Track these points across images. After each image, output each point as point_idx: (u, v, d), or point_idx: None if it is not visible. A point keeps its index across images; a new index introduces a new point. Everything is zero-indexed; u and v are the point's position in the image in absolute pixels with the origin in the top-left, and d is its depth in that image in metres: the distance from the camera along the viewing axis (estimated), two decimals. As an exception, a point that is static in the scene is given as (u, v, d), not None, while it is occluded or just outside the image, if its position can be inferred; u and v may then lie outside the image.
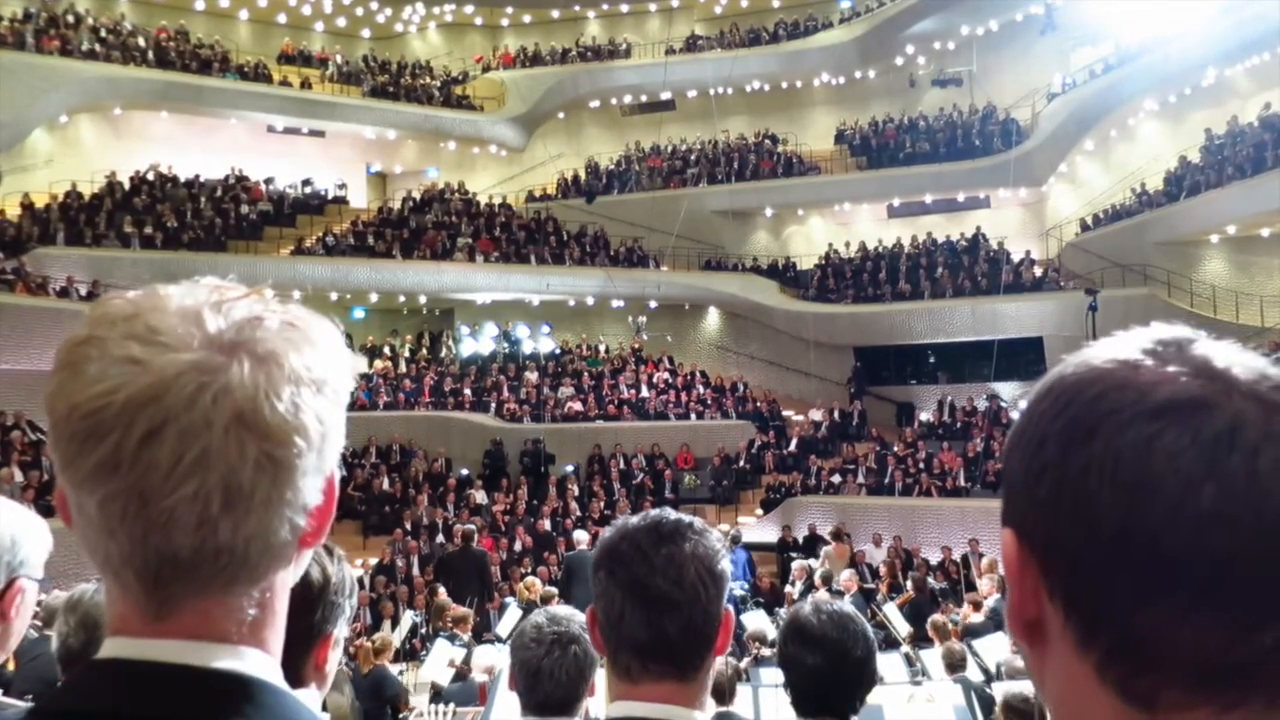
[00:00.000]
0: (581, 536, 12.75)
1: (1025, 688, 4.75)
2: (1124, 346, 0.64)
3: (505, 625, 9.72)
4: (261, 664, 0.76)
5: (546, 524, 17.75)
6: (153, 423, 0.69)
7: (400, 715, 6.91)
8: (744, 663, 7.49)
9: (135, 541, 0.71)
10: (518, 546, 16.92)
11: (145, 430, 0.69)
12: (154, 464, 0.69)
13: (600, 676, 2.15)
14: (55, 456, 0.72)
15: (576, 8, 31.17)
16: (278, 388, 0.71)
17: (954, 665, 6.76)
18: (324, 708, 1.47)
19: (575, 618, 2.10)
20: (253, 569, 0.74)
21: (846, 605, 2.22)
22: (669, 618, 1.34)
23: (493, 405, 22.26)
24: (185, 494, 0.69)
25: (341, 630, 1.49)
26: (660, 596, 1.34)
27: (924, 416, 22.39)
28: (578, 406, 22.35)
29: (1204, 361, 0.61)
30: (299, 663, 1.40)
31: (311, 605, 1.42)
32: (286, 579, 0.79)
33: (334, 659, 1.46)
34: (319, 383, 0.74)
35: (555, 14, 31.47)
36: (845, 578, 11.60)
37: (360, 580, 13.16)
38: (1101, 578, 0.60)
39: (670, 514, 1.43)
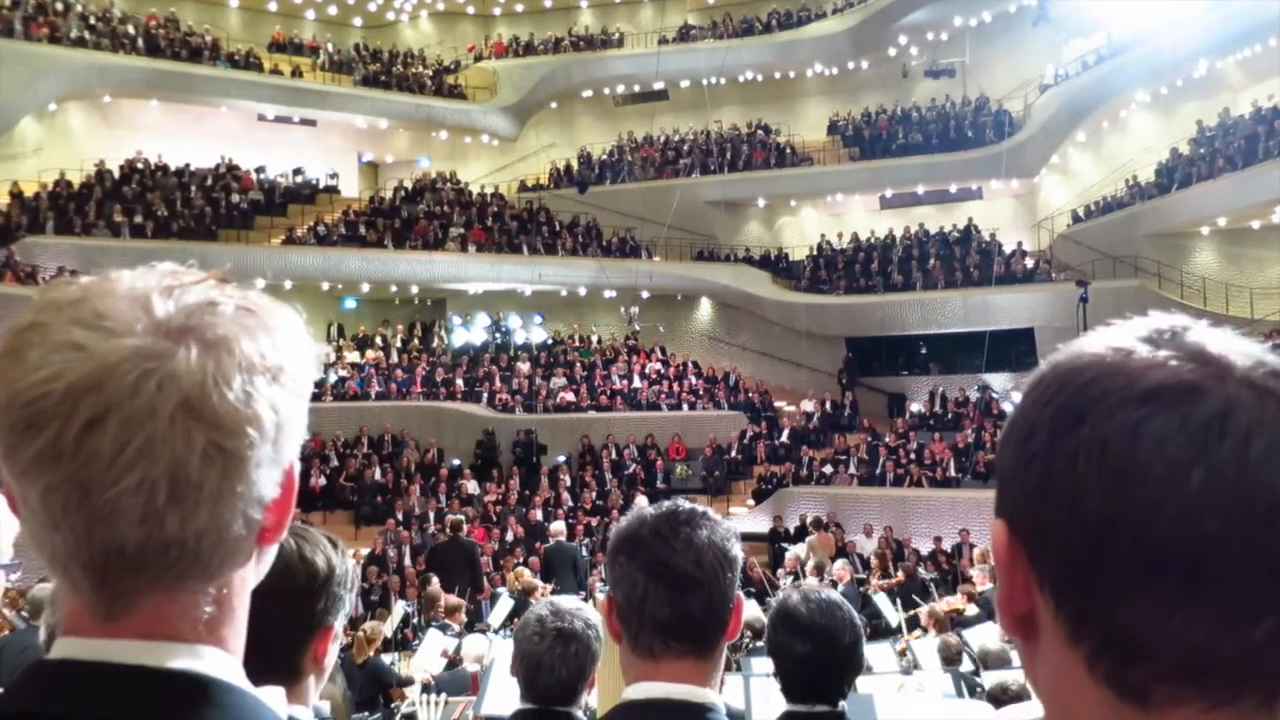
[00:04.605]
0: (559, 528, 12.78)
1: (1007, 677, 4.79)
2: (1118, 334, 0.63)
3: (497, 615, 9.73)
4: (221, 663, 0.72)
5: (538, 514, 17.77)
6: (95, 411, 0.66)
7: (393, 704, 6.92)
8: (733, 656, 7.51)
9: (79, 534, 0.68)
10: (509, 537, 16.93)
11: (87, 419, 0.66)
12: (96, 454, 0.66)
13: (601, 668, 2.17)
14: (0, 446, 0.69)
15: (569, -3, 31.11)
16: (228, 375, 0.69)
17: (950, 659, 6.78)
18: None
19: (579, 612, 2.12)
20: (205, 565, 0.71)
21: (833, 593, 2.24)
22: (691, 596, 1.40)
23: (485, 396, 22.24)
24: (129, 485, 0.67)
25: (341, 623, 1.48)
26: (683, 576, 1.40)
27: (915, 407, 22.44)
28: (570, 397, 22.35)
29: (1198, 348, 0.60)
30: (298, 654, 1.40)
31: (315, 594, 1.40)
32: (246, 576, 0.76)
33: (333, 652, 1.45)
34: (274, 371, 0.71)
35: (548, 3, 31.36)
36: (838, 568, 11.65)
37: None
38: (1089, 566, 0.59)
39: (684, 503, 1.49)
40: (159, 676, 0.70)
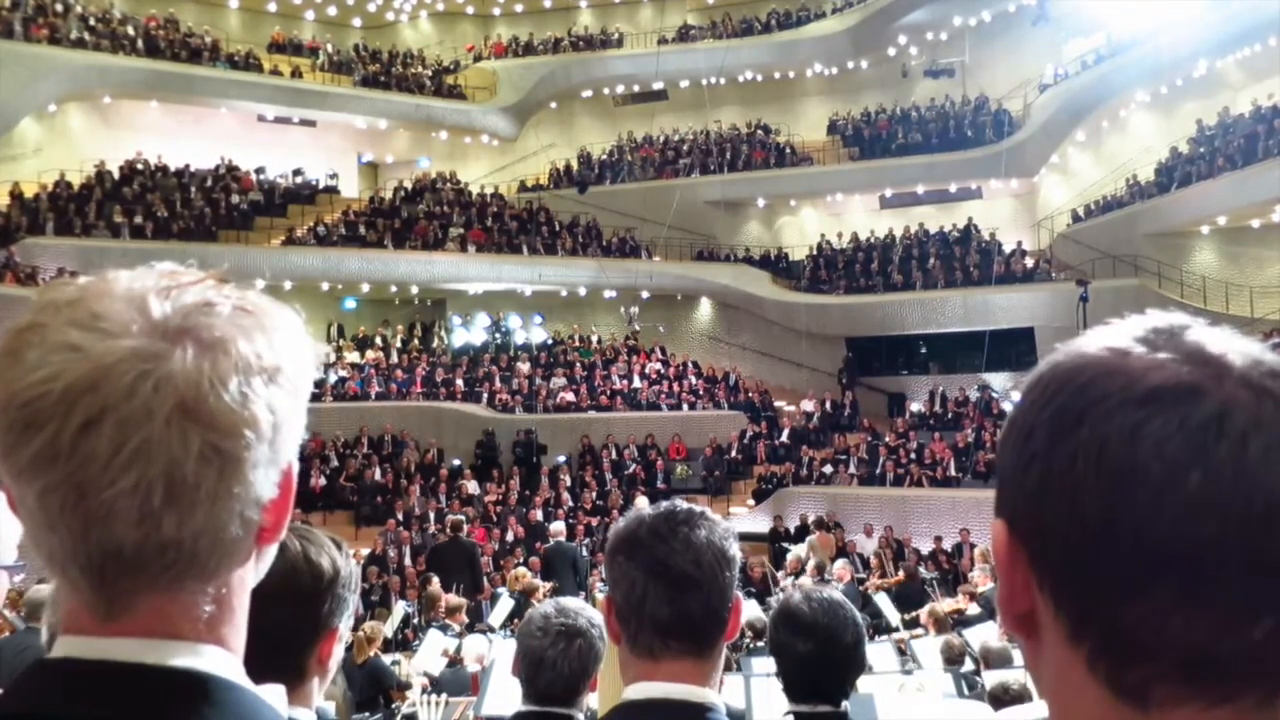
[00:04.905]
0: (558, 528, 12.80)
1: (1008, 677, 4.80)
2: (1116, 334, 0.63)
3: (497, 615, 9.73)
4: (221, 661, 0.73)
5: (538, 514, 17.77)
6: (91, 412, 0.66)
7: (394, 704, 6.92)
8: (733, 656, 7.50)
9: (76, 536, 0.68)
10: (510, 537, 16.94)
11: (83, 420, 0.66)
12: (92, 455, 0.66)
13: (601, 670, 2.17)
14: None
15: (568, -3, 31.12)
16: (224, 376, 0.69)
17: (953, 659, 6.77)
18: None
19: (584, 611, 2.13)
20: (203, 565, 0.71)
21: (835, 592, 2.24)
22: (690, 596, 1.40)
23: (485, 396, 22.25)
24: (125, 486, 0.67)
25: (346, 625, 1.49)
26: (681, 575, 1.40)
27: (915, 407, 22.44)
28: (570, 397, 22.35)
29: (1196, 348, 0.60)
30: (304, 656, 1.40)
31: (320, 597, 1.41)
32: (245, 576, 0.76)
33: (337, 654, 1.46)
34: (271, 371, 0.71)
35: (547, 3, 31.36)
36: (838, 567, 11.64)
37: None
38: (1089, 568, 0.59)
39: (682, 503, 1.50)
40: (160, 674, 0.70)
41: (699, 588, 1.40)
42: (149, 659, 0.70)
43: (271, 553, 0.78)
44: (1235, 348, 0.60)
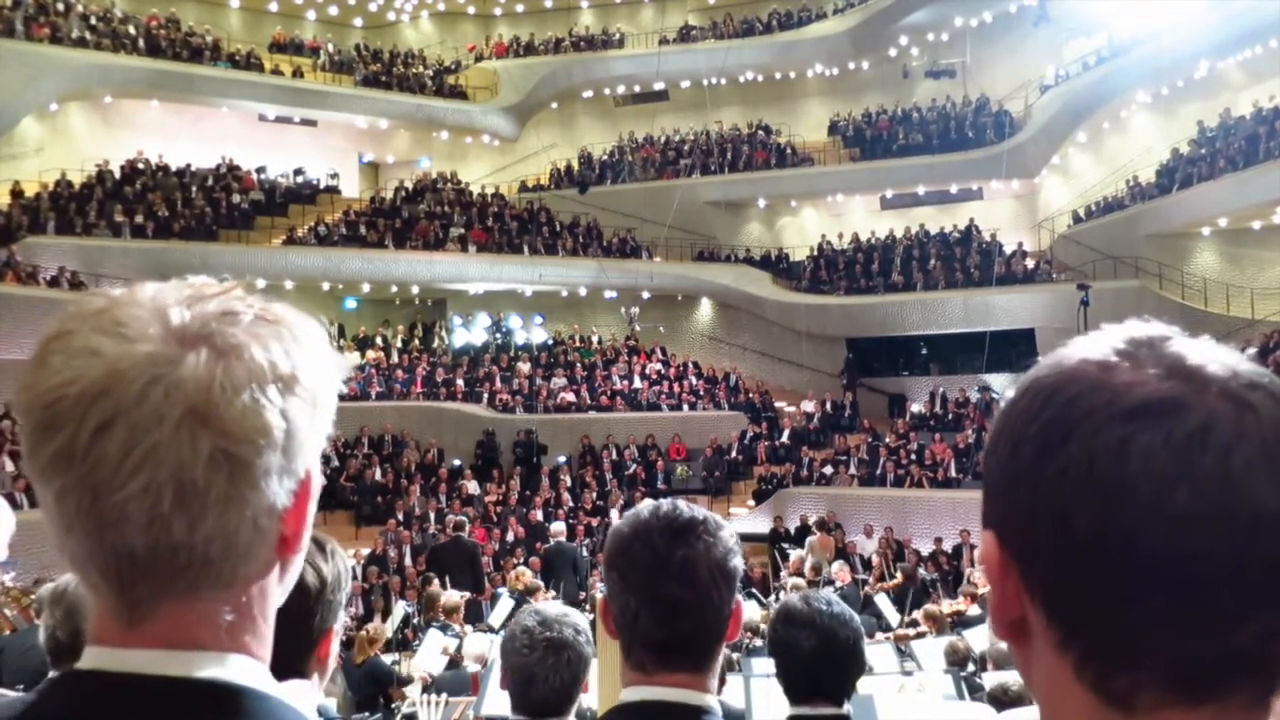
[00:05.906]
0: (559, 528, 12.79)
1: (1008, 678, 4.79)
2: (1097, 346, 0.64)
3: (498, 615, 9.73)
4: (247, 670, 0.73)
5: (539, 514, 17.78)
6: (104, 416, 0.68)
7: (393, 704, 6.92)
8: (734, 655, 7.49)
9: (92, 537, 0.70)
10: (510, 537, 16.94)
11: (97, 423, 0.68)
12: (104, 458, 0.68)
13: (593, 672, 2.14)
14: (23, 448, 0.72)
15: (570, -3, 31.12)
16: (236, 382, 0.69)
17: (957, 661, 6.77)
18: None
19: (567, 619, 2.08)
20: (218, 572, 0.72)
21: (832, 594, 2.24)
22: (683, 620, 1.37)
23: (485, 396, 22.25)
24: (134, 489, 0.68)
25: (340, 622, 1.50)
26: (676, 602, 1.37)
27: (916, 408, 22.43)
28: (570, 397, 22.36)
29: (1177, 360, 0.61)
30: (302, 661, 1.43)
31: (310, 611, 1.42)
32: (268, 587, 0.76)
33: (334, 648, 1.48)
34: (287, 380, 0.72)
35: (548, 3, 31.36)
36: (837, 569, 11.65)
37: (353, 571, 13.22)
38: (1079, 580, 0.60)
39: (684, 510, 1.43)
40: (187, 686, 0.71)
41: (693, 612, 1.37)
42: (173, 670, 0.71)
43: (297, 565, 0.79)
44: (1214, 359, 0.61)
